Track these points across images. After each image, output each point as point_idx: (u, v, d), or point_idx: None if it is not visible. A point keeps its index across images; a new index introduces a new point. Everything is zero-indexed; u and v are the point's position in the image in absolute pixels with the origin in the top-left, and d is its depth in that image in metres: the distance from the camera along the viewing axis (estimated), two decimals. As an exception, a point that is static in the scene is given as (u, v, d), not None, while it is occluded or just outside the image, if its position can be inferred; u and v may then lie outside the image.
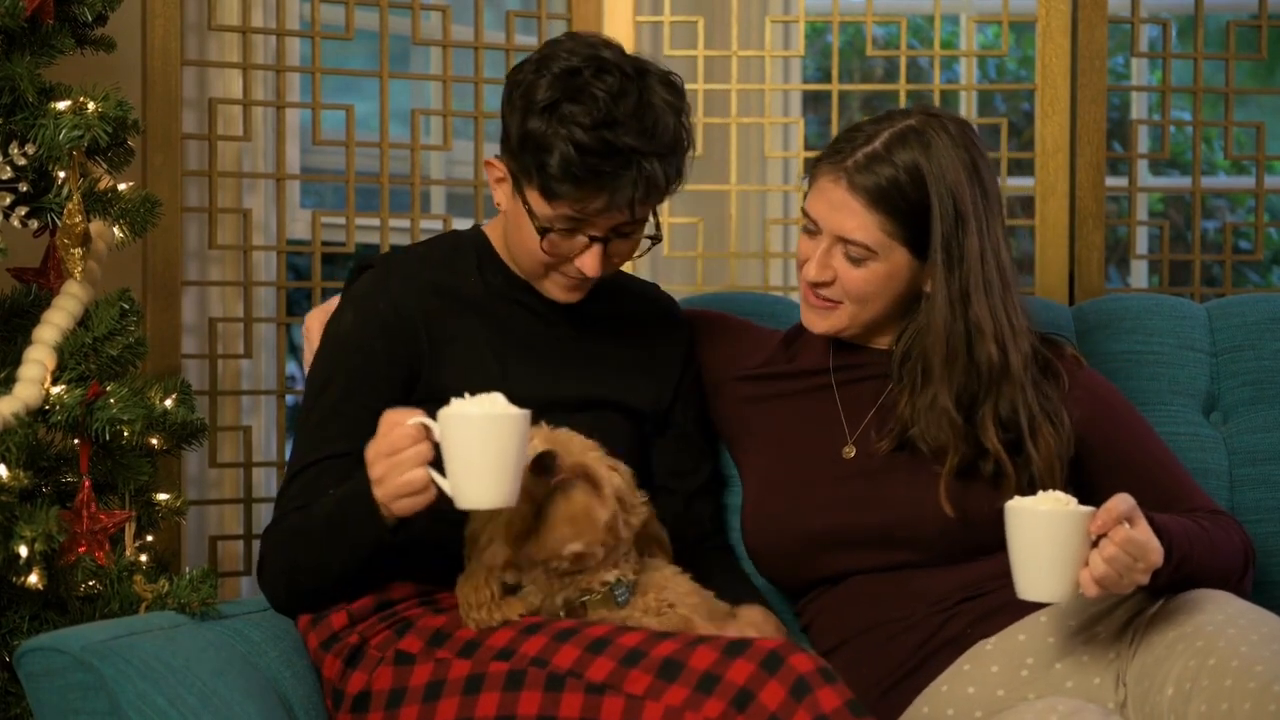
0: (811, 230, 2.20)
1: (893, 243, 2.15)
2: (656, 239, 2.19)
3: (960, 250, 2.14)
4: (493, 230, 2.28)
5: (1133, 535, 1.93)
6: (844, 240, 2.16)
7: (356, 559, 2.03)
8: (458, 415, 1.85)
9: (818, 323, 2.24)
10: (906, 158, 2.14)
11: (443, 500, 1.89)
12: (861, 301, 2.19)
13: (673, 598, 2.04)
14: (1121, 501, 1.95)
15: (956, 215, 2.14)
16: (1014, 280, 2.20)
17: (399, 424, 1.91)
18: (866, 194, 2.13)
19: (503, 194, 2.17)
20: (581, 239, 2.12)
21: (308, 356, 2.28)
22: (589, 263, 2.13)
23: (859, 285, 2.17)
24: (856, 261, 2.16)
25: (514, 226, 2.16)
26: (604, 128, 2.04)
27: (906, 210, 2.14)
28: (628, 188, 2.07)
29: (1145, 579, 1.96)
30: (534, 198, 2.10)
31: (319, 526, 2.04)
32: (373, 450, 1.93)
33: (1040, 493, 1.96)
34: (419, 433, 1.89)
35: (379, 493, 1.92)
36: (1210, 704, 1.89)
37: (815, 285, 2.20)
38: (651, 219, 2.16)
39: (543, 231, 2.10)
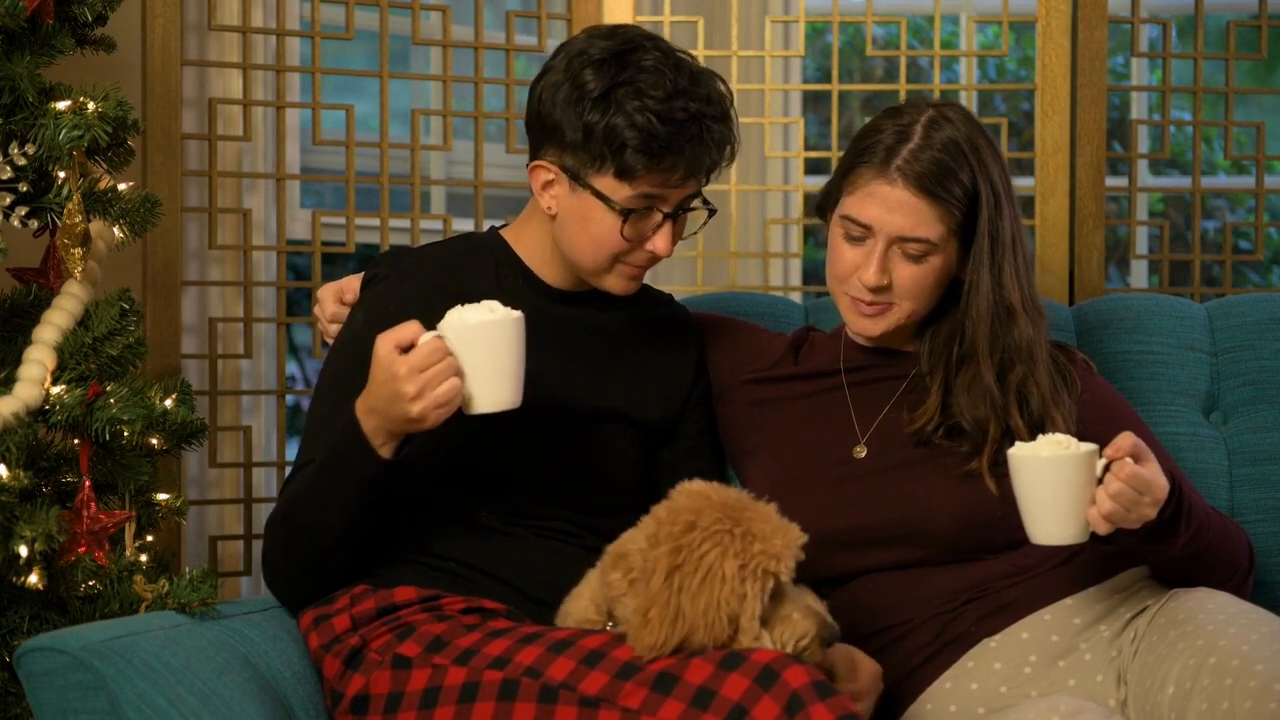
0: (857, 237, 2.20)
1: (949, 235, 2.18)
2: (713, 209, 2.22)
3: (998, 232, 2.18)
4: (516, 235, 2.26)
5: (1138, 471, 1.95)
6: (904, 239, 2.17)
7: (356, 500, 2.03)
8: (476, 323, 1.95)
9: (873, 327, 2.23)
10: (944, 138, 2.17)
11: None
12: (917, 298, 2.21)
13: None
14: (1126, 437, 1.97)
15: (995, 195, 2.18)
16: (1033, 262, 2.24)
17: (402, 341, 1.95)
18: (920, 184, 2.15)
19: (554, 196, 2.17)
20: (656, 217, 2.14)
21: (325, 327, 2.33)
22: (662, 242, 2.15)
23: (917, 282, 2.19)
24: (917, 259, 2.18)
25: (576, 224, 2.16)
26: (674, 98, 2.09)
27: (960, 195, 2.16)
28: (703, 154, 2.12)
29: (1153, 512, 1.98)
30: (607, 184, 2.11)
31: (314, 480, 2.06)
32: (402, 368, 1.94)
33: (1040, 436, 1.99)
34: (442, 346, 1.95)
35: (416, 408, 1.94)
36: (1211, 702, 1.89)
37: (875, 290, 2.20)
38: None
39: (625, 214, 2.11)
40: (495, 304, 1.98)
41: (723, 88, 2.18)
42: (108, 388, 2.43)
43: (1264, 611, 2.03)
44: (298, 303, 4.40)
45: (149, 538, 2.53)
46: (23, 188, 2.43)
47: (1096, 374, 2.31)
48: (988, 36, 5.03)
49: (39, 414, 2.39)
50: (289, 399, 3.50)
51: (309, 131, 3.20)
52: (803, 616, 1.92)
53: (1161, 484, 1.98)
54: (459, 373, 1.95)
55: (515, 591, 2.12)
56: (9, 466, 2.29)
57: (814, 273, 4.64)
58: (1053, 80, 3.15)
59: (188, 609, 2.16)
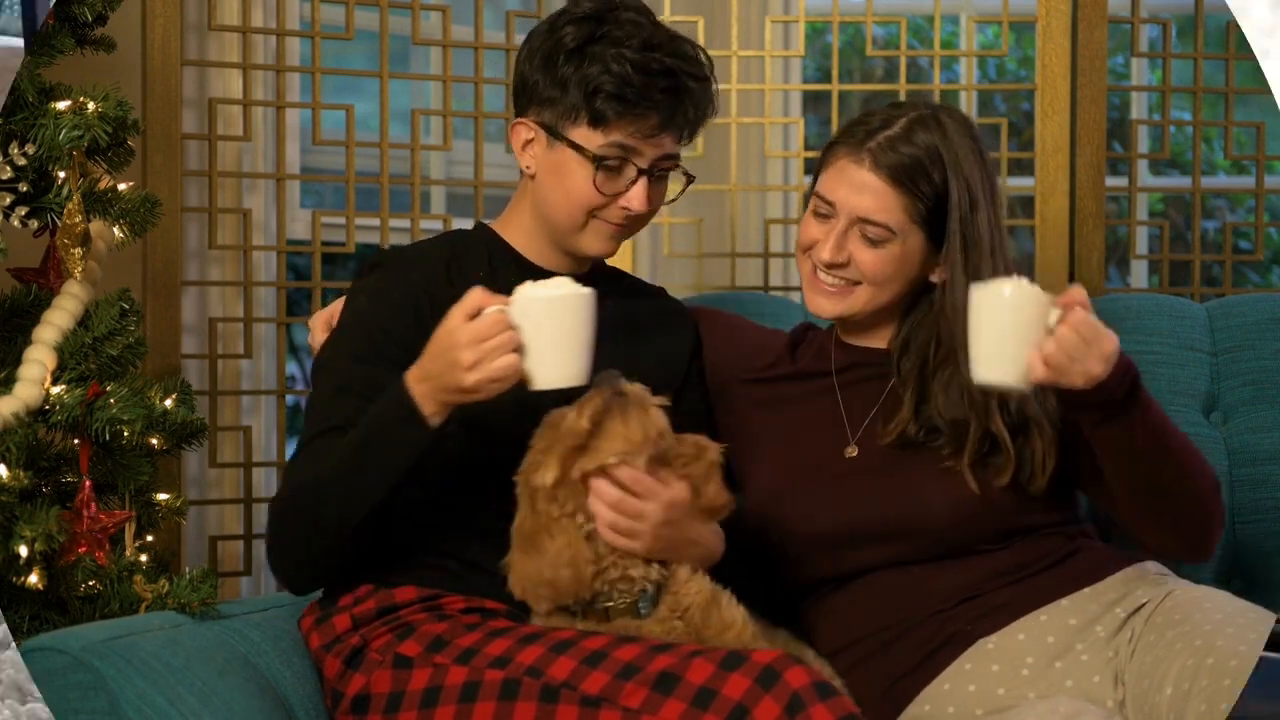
0: (824, 214, 2.21)
1: (912, 225, 2.17)
2: (691, 177, 2.23)
3: (974, 233, 2.17)
4: (504, 225, 2.27)
5: (1089, 318, 1.92)
6: (863, 221, 2.17)
7: (395, 469, 2.00)
8: (540, 298, 1.92)
9: (827, 307, 2.24)
10: (926, 139, 2.17)
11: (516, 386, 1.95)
12: (878, 284, 2.20)
13: (687, 601, 2.03)
14: (1079, 289, 1.96)
15: (970, 199, 2.17)
16: (1015, 268, 2.22)
17: (470, 309, 1.93)
18: (890, 173, 2.16)
19: (533, 155, 2.19)
20: (630, 171, 2.14)
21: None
22: (637, 195, 2.15)
23: (876, 267, 2.19)
24: (875, 243, 2.18)
25: (552, 180, 2.17)
26: (649, 50, 2.11)
27: (928, 192, 2.16)
28: (678, 108, 2.13)
29: (1100, 369, 1.94)
30: (582, 133, 2.13)
31: (351, 448, 2.01)
32: (463, 336, 1.92)
33: (1002, 279, 1.97)
34: (504, 319, 1.92)
35: (470, 378, 1.91)
36: (1210, 704, 1.89)
37: (830, 267, 2.20)
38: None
39: (597, 161, 2.12)
40: (566, 280, 1.96)
41: (703, 57, 2.19)
42: (108, 388, 2.43)
43: (1261, 610, 2.04)
44: (298, 303, 4.39)
45: (149, 538, 2.53)
46: (23, 188, 2.43)
47: None
48: (988, 36, 5.03)
49: (39, 414, 2.39)
50: (289, 399, 3.49)
51: (309, 131, 3.20)
52: (586, 400, 2.00)
53: (1111, 338, 1.94)
54: (520, 348, 1.93)
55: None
56: (9, 466, 2.29)
57: (814, 273, 4.63)
58: (1053, 80, 3.15)
59: (188, 609, 2.17)
